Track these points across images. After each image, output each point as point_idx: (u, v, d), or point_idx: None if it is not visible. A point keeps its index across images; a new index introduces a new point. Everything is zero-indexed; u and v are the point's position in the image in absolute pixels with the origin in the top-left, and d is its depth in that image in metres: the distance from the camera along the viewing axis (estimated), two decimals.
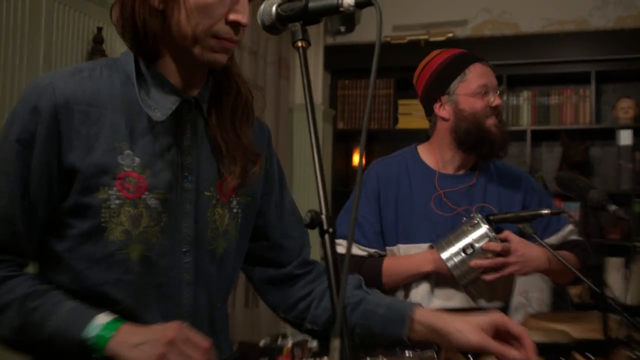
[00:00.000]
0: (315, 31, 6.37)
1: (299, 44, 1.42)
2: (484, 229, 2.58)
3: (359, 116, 6.65)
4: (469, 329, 1.70)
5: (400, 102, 6.53)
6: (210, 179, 1.70)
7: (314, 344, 4.39)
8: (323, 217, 1.22)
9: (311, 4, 1.44)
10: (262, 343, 3.86)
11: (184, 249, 1.65)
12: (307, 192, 6.22)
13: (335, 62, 6.63)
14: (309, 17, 1.45)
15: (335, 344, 1.04)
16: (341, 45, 6.57)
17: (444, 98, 2.80)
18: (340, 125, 6.72)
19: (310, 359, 1.25)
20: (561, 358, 2.15)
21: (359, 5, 1.39)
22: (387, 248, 2.81)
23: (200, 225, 1.68)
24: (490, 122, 2.74)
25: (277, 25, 1.49)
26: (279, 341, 3.88)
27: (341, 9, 1.42)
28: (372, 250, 2.78)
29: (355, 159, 6.63)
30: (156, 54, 1.63)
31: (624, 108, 5.82)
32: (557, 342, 2.18)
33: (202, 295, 1.69)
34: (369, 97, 1.43)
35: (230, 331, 5.26)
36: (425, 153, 2.90)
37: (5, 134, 1.55)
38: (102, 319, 1.49)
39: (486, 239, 2.57)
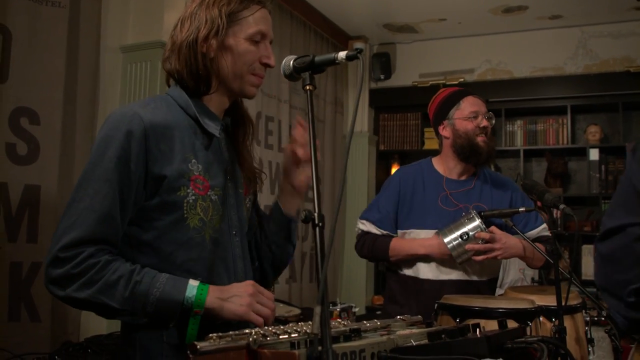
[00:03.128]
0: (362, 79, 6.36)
1: (308, 87, 1.42)
2: (477, 221, 2.58)
3: (396, 140, 6.57)
4: None
5: (426, 129, 6.43)
6: (239, 180, 1.73)
7: (357, 309, 4.33)
8: (315, 214, 1.20)
9: (316, 59, 1.46)
10: None
11: (233, 231, 1.67)
12: (357, 196, 6.26)
13: (377, 101, 6.58)
14: (315, 67, 1.46)
15: (317, 309, 1.02)
16: (381, 89, 6.53)
17: (445, 122, 2.81)
18: (382, 147, 6.65)
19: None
20: (528, 322, 2.11)
21: (349, 59, 1.39)
22: (402, 231, 2.81)
23: (240, 213, 1.71)
24: (480, 139, 2.73)
25: (294, 74, 1.50)
26: (331, 307, 3.85)
27: (337, 62, 1.43)
28: (385, 232, 2.81)
29: (392, 171, 6.57)
30: (207, 91, 1.65)
31: (592, 132, 5.76)
32: (521, 308, 2.12)
33: (246, 266, 1.71)
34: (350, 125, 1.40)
35: (298, 299, 5.27)
36: (437, 163, 2.90)
37: (103, 152, 1.50)
38: (194, 282, 1.49)
39: (478, 229, 2.57)
